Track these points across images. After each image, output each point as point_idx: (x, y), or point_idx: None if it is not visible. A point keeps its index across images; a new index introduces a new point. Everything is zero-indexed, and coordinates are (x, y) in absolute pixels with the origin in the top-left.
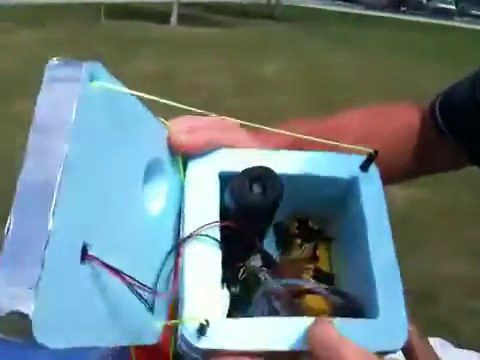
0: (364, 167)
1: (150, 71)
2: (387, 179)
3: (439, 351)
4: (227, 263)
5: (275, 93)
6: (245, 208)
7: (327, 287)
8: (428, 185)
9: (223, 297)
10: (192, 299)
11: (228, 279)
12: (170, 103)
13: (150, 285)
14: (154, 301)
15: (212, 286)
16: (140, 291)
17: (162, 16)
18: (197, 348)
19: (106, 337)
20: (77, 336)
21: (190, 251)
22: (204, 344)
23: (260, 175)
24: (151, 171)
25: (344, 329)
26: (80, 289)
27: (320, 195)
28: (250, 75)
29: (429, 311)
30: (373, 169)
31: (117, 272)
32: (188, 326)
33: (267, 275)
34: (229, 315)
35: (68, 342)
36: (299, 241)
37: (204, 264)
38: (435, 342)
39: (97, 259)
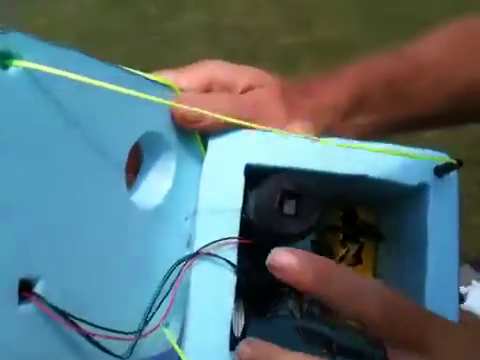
0: (440, 173)
1: (193, 23)
2: (471, 120)
3: None
4: (252, 274)
5: (332, 24)
6: (270, 232)
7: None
8: None
9: (238, 322)
10: (194, 336)
11: (249, 291)
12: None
13: (136, 314)
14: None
15: (220, 320)
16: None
17: None
18: None
19: None
20: None
21: (198, 274)
22: None
23: (295, 190)
24: (148, 152)
25: None
26: (18, 336)
27: (377, 193)
28: (300, 6)
29: None
30: (453, 175)
31: (69, 320)
32: None
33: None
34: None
35: None
36: (341, 237)
37: (213, 294)
38: None
39: (41, 298)
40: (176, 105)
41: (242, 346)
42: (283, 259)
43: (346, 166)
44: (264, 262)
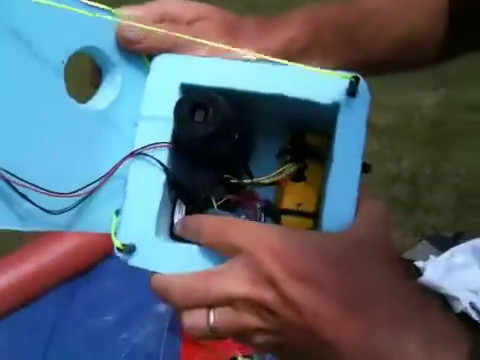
0: (351, 93)
1: None
2: (415, 65)
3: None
4: (190, 183)
5: None
6: (186, 137)
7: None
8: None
9: (177, 216)
10: (127, 222)
11: (187, 199)
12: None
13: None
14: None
15: (149, 207)
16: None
17: None
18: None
19: None
20: None
21: (135, 170)
22: (135, 262)
23: (204, 102)
24: (98, 62)
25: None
26: None
27: (311, 113)
28: None
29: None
30: (363, 94)
31: (5, 177)
32: (117, 246)
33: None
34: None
35: None
36: (289, 158)
37: (146, 184)
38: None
39: None
40: (116, 20)
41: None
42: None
43: (267, 86)
44: (192, 168)
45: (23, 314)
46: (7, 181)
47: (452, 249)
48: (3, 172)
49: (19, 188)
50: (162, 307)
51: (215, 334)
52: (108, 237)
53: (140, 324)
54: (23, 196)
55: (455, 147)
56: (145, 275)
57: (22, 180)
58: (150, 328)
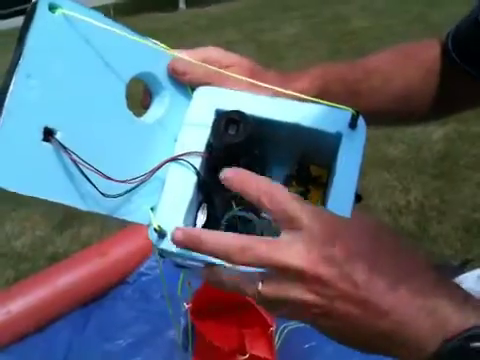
0: (352, 125)
1: None
2: (414, 117)
3: (472, 283)
4: (215, 188)
5: (300, 55)
6: (221, 145)
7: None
8: (467, 120)
9: (199, 217)
10: (161, 213)
11: (211, 201)
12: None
13: (121, 176)
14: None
15: (181, 203)
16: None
17: (171, 3)
18: (163, 250)
19: (56, 194)
20: (28, 183)
21: (172, 172)
22: (162, 245)
23: (236, 119)
24: (151, 86)
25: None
26: (38, 154)
27: (317, 146)
28: (268, 40)
29: (473, 245)
30: (361, 127)
31: (73, 158)
32: (151, 230)
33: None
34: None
35: (20, 184)
36: (294, 182)
37: (180, 184)
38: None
39: (58, 142)
40: (167, 49)
41: (175, 231)
42: (227, 173)
43: (285, 116)
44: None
45: (38, 338)
46: (74, 162)
47: (459, 277)
48: (74, 156)
49: (84, 170)
50: (175, 333)
51: (260, 297)
52: (122, 264)
53: (153, 349)
54: (86, 177)
55: (462, 179)
56: (158, 302)
57: (87, 163)
58: (163, 353)
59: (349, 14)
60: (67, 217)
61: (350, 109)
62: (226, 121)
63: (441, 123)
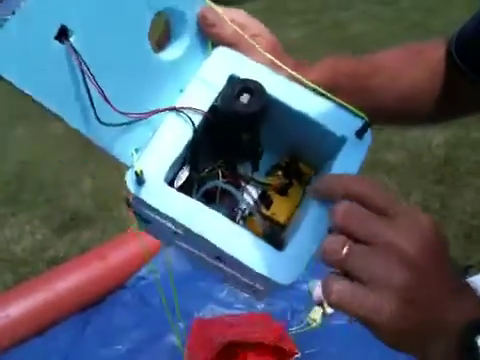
0: (359, 133)
1: None
2: (417, 119)
3: None
4: (204, 153)
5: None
6: (229, 110)
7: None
8: (468, 125)
9: (180, 175)
10: (146, 160)
11: (197, 165)
12: None
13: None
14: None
15: (169, 155)
16: (96, 94)
17: None
18: (135, 197)
19: (51, 99)
20: (30, 78)
21: (169, 121)
22: (136, 191)
23: (252, 88)
24: (174, 26)
25: (254, 244)
26: (47, 52)
27: (314, 143)
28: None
29: (474, 251)
30: (366, 138)
31: (82, 67)
32: (131, 172)
33: (221, 179)
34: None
35: (20, 76)
36: (280, 173)
37: (173, 137)
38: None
39: (69, 42)
40: None
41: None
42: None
43: (296, 103)
44: (212, 142)
45: (37, 342)
46: (82, 72)
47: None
48: (83, 65)
49: (90, 86)
50: (173, 339)
51: (343, 263)
52: (120, 270)
53: (152, 355)
54: (88, 91)
55: (463, 185)
56: (157, 307)
57: (93, 77)
58: (162, 359)
59: (349, 19)
60: (67, 221)
61: (364, 117)
62: (241, 88)
63: (441, 128)
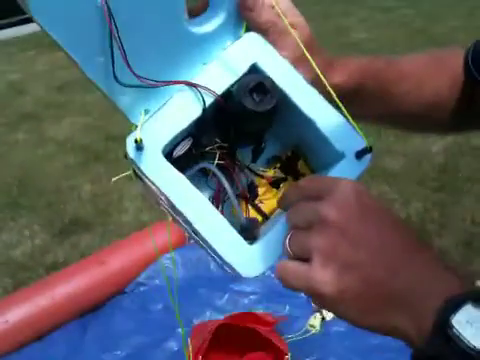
0: (358, 155)
1: None
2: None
3: None
4: (209, 132)
5: None
6: (236, 103)
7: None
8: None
9: (179, 147)
10: (150, 127)
11: (197, 143)
12: None
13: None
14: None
15: (172, 127)
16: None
17: None
18: (131, 159)
19: (76, 47)
20: (61, 26)
21: (182, 94)
22: (135, 157)
23: (268, 88)
24: (210, 7)
25: (227, 232)
26: (81, 4)
27: (317, 150)
28: None
29: (474, 259)
30: (364, 162)
31: (110, 22)
32: (132, 138)
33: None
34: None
35: (52, 22)
36: (278, 166)
37: (182, 110)
38: None
39: (106, 3)
40: None
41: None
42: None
43: (308, 107)
44: (218, 125)
45: (36, 348)
46: (110, 31)
47: None
48: (113, 24)
49: (114, 44)
50: (173, 344)
51: (289, 251)
52: (119, 276)
53: None
54: (111, 48)
55: (463, 192)
56: (156, 312)
57: (118, 37)
58: None
59: (350, 26)
60: (67, 226)
61: (366, 141)
62: (256, 84)
63: (441, 135)
